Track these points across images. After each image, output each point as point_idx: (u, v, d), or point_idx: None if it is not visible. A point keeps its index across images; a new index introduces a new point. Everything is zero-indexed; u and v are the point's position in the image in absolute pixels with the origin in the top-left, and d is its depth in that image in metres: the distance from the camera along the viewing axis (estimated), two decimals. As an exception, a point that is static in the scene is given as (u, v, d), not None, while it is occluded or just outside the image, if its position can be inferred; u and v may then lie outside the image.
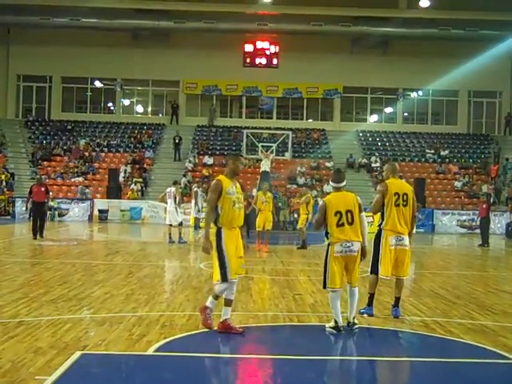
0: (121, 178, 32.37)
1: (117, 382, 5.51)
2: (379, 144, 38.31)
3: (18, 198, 30.24)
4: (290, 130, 34.11)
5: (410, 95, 40.20)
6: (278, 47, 38.81)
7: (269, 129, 36.70)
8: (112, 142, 36.77)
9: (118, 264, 13.41)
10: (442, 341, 7.18)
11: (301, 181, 33.27)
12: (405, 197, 8.21)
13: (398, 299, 8.33)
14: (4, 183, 32.07)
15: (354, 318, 7.49)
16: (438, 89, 38.43)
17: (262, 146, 30.09)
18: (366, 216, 7.91)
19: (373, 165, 34.98)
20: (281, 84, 39.21)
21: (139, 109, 41.42)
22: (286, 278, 11.93)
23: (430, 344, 7.14)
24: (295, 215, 28.66)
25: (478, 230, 24.43)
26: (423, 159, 36.66)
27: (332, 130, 38.94)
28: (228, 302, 7.07)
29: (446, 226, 29.82)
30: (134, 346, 6.41)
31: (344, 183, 7.64)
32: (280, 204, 28.13)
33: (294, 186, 32.68)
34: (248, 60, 38.98)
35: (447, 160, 36.44)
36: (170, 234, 18.71)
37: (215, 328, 7.04)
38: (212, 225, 7.05)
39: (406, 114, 40.97)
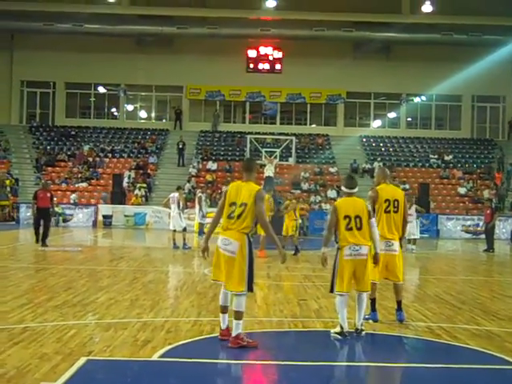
0: (125, 184, 32.41)
1: (122, 388, 5.51)
2: (383, 149, 38.29)
3: (22, 204, 30.29)
4: (294, 135, 34.15)
5: (413, 100, 40.18)
6: (281, 52, 38.87)
7: (272, 134, 36.76)
8: (116, 148, 36.82)
9: (122, 270, 13.41)
10: (447, 347, 7.15)
11: (305, 186, 33.27)
12: (396, 203, 8.23)
13: (399, 303, 8.32)
14: (8, 189, 32.12)
15: (361, 325, 7.48)
16: (441, 94, 38.41)
17: (266, 152, 30.12)
18: None
19: (376, 170, 34.94)
20: (284, 89, 39.25)
21: (143, 114, 41.49)
22: (291, 284, 11.92)
23: (435, 350, 7.11)
24: (299, 220, 28.60)
25: (482, 236, 24.38)
26: (427, 164, 36.62)
27: (335, 135, 38.94)
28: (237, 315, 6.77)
29: (451, 231, 29.76)
30: (139, 352, 6.41)
31: (356, 189, 7.70)
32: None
33: (298, 191, 32.65)
34: (251, 65, 39.04)
35: (451, 165, 36.40)
36: (174, 239, 18.70)
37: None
38: (241, 233, 6.74)
39: (409, 119, 40.96)
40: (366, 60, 37.78)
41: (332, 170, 35.24)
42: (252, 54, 38.99)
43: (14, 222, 29.95)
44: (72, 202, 30.51)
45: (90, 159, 35.26)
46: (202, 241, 7.14)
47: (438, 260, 19.60)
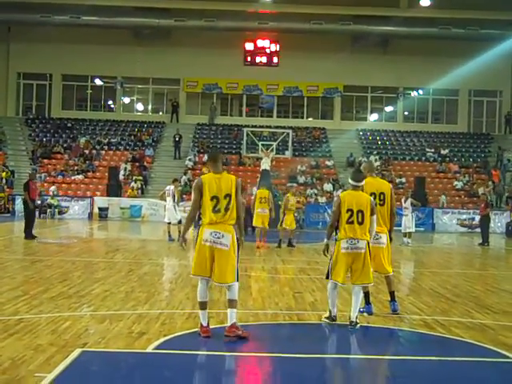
0: (121, 176, 32.37)
1: (116, 379, 5.51)
2: (379, 143, 38.31)
3: (17, 196, 30.19)
4: (291, 128, 34.12)
5: (410, 94, 40.19)
6: (278, 46, 38.82)
7: (269, 127, 36.78)
8: (112, 140, 36.77)
9: (118, 262, 13.41)
10: (441, 339, 7.17)
11: (301, 179, 33.28)
12: (381, 196, 8.26)
13: (392, 293, 8.35)
14: (4, 181, 32.07)
15: (356, 318, 7.51)
16: (438, 88, 38.40)
17: (263, 145, 30.10)
18: None
19: (363, 164, 34.91)
20: (281, 82, 39.20)
21: (139, 107, 41.41)
22: (286, 277, 11.94)
23: (429, 342, 7.13)
24: (295, 214, 28.62)
25: (478, 229, 24.43)
26: (423, 158, 36.66)
27: (332, 128, 38.93)
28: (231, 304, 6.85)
29: (446, 224, 29.83)
30: (134, 344, 6.41)
31: (362, 183, 7.76)
32: (280, 202, 28.08)
33: (295, 185, 32.66)
34: (248, 58, 39.00)
35: (447, 159, 36.44)
36: (169, 232, 18.71)
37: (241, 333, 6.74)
38: (230, 225, 6.77)
39: (406, 113, 40.96)
40: (363, 54, 37.75)
41: (328, 163, 35.26)
42: (249, 47, 38.94)
43: (9, 214, 29.91)
44: (51, 193, 30.30)
45: (87, 151, 35.21)
46: (181, 236, 7.06)
47: (433, 253, 19.66)
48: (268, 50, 39.01)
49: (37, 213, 28.74)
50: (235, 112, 41.17)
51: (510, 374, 6.14)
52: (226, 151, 35.73)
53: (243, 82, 39.22)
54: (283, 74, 38.48)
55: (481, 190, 31.61)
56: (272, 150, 29.47)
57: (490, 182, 33.74)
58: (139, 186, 32.10)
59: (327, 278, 7.66)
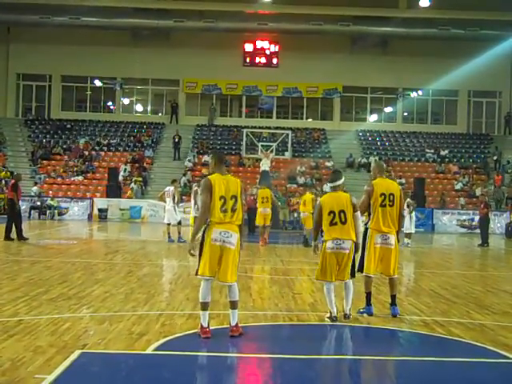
0: (120, 177, 32.36)
1: (116, 380, 5.50)
2: (379, 144, 38.32)
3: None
4: (290, 129, 34.15)
5: (409, 95, 40.18)
6: (277, 46, 38.83)
7: (268, 128, 36.78)
8: (112, 141, 36.76)
9: (117, 263, 13.41)
10: (441, 340, 7.18)
11: (301, 180, 33.28)
12: (391, 197, 8.28)
13: (393, 297, 8.36)
14: (3, 182, 32.03)
15: (349, 310, 7.90)
16: (437, 88, 38.40)
17: (262, 146, 30.12)
18: None
19: (372, 164, 34.91)
20: (280, 83, 39.20)
21: (139, 108, 41.41)
22: (286, 278, 11.93)
23: (429, 343, 7.14)
24: (295, 214, 28.69)
25: (477, 230, 24.43)
26: (423, 159, 36.66)
27: (332, 129, 38.93)
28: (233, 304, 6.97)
29: (446, 225, 29.83)
30: (134, 345, 6.41)
31: (338, 182, 7.99)
32: (280, 203, 28.13)
33: (294, 186, 32.70)
34: (248, 59, 39.00)
35: (447, 160, 36.44)
36: (169, 232, 18.71)
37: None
38: (236, 225, 6.87)
39: (405, 114, 40.96)
40: (362, 54, 37.77)
41: (328, 164, 35.25)
42: (249, 47, 38.95)
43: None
44: (33, 194, 30.24)
45: (86, 153, 35.19)
46: (191, 240, 6.94)
47: (433, 254, 19.65)
48: (267, 51, 39.02)
49: (36, 214, 29.00)
50: (235, 113, 41.18)
51: (509, 375, 6.15)
52: (225, 152, 35.70)
53: (243, 82, 39.23)
54: (283, 75, 38.49)
55: (478, 191, 31.53)
56: (272, 151, 29.49)
57: (490, 185, 33.65)
58: (139, 186, 32.06)
59: (317, 279, 8.03)
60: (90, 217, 29.55)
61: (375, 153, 36.55)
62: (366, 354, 6.68)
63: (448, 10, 34.58)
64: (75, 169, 33.88)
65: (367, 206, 8.32)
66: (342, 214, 7.70)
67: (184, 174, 32.53)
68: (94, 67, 38.02)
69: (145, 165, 34.72)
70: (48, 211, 29.33)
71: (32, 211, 29.27)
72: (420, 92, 40.16)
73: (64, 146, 36.05)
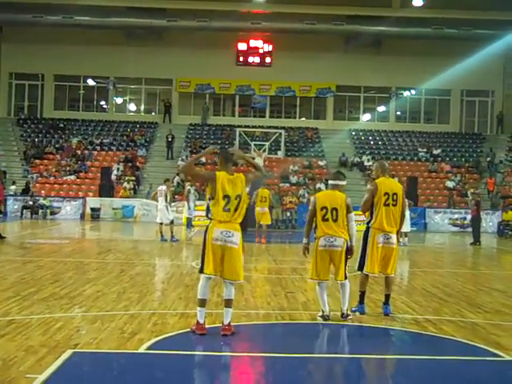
0: (113, 177, 32.29)
1: (108, 380, 5.49)
2: (372, 143, 38.38)
3: (9, 197, 30.14)
4: (283, 128, 34.13)
5: (402, 94, 40.24)
6: (271, 46, 38.81)
7: (262, 127, 36.77)
8: (104, 141, 36.65)
9: (109, 262, 13.38)
10: (433, 339, 7.20)
11: (293, 179, 33.30)
12: (394, 196, 8.29)
13: (387, 297, 8.38)
14: (-5, 182, 31.90)
15: (347, 310, 7.81)
16: (430, 88, 38.47)
17: (255, 145, 30.12)
18: (356, 214, 8.11)
19: (365, 163, 35.00)
20: (274, 83, 39.20)
21: (132, 107, 41.31)
22: (278, 276, 11.94)
23: (421, 342, 7.16)
24: (288, 214, 28.72)
25: (469, 229, 24.50)
26: (416, 158, 36.74)
27: (325, 128, 38.95)
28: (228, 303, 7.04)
29: (438, 224, 29.90)
30: (126, 345, 6.40)
31: (339, 182, 7.99)
32: (273, 202, 28.16)
33: (287, 185, 32.72)
34: (241, 58, 38.97)
35: (439, 159, 36.54)
36: (161, 232, 18.69)
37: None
38: (237, 224, 6.90)
39: (398, 113, 41.04)
40: (356, 54, 37.80)
41: (321, 163, 35.29)
42: (242, 47, 38.91)
43: (1, 215, 29.71)
44: (12, 193, 30.10)
45: (79, 152, 35.10)
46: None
47: (425, 253, 19.69)
48: (261, 50, 38.98)
49: (29, 214, 28.92)
50: (228, 112, 41.14)
51: (500, 373, 6.17)
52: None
53: (236, 82, 39.21)
54: (276, 74, 38.48)
55: (469, 194, 31.20)
56: (264, 150, 29.49)
57: (483, 183, 33.68)
58: (131, 186, 32.01)
59: (311, 278, 7.96)
60: (82, 216, 29.47)
61: (368, 152, 36.60)
62: (357, 352, 6.70)
63: (441, 10, 34.65)
64: (68, 168, 33.78)
65: (370, 205, 8.30)
66: (334, 212, 7.71)
67: (177, 174, 32.47)
68: (87, 66, 37.90)
69: (138, 164, 34.65)
70: (40, 211, 29.25)
71: (24, 211, 29.20)
72: (413, 91, 40.22)
73: (56, 146, 35.94)
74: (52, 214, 29.49)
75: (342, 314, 7.79)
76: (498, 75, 39.28)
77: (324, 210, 7.74)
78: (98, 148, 36.04)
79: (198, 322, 6.84)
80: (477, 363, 6.34)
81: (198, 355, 6.37)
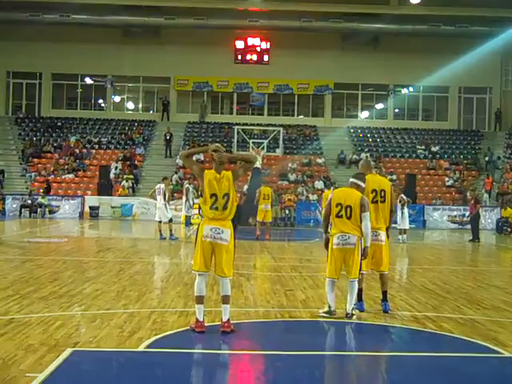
0: (112, 175, 32.27)
1: (108, 378, 5.49)
2: (370, 140, 38.38)
3: (8, 195, 30.15)
4: (281, 126, 34.18)
5: (400, 91, 40.29)
6: (268, 44, 38.80)
7: (260, 125, 36.79)
8: (103, 139, 36.64)
9: (109, 261, 13.38)
10: (432, 335, 7.21)
11: (292, 177, 33.29)
12: (382, 193, 8.29)
13: (384, 293, 8.37)
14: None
15: (352, 310, 7.76)
16: (428, 85, 38.52)
17: (253, 143, 30.11)
18: None
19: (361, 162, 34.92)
20: (272, 80, 39.20)
21: (130, 105, 41.29)
22: (278, 274, 11.94)
23: (420, 339, 7.17)
24: (286, 211, 28.72)
25: (468, 226, 24.53)
26: (414, 155, 36.76)
27: (323, 126, 38.96)
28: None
29: (437, 221, 29.92)
30: (125, 343, 6.40)
31: (358, 182, 7.94)
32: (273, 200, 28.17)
33: (286, 183, 32.71)
34: (239, 56, 38.96)
35: (438, 156, 36.56)
36: (160, 230, 18.68)
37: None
38: (228, 220, 6.91)
39: (396, 111, 41.04)
40: (354, 51, 37.82)
41: (319, 160, 35.29)
42: (240, 45, 38.90)
43: (-1, 214, 29.77)
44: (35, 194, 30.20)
45: (77, 150, 35.07)
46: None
47: (424, 250, 19.72)
48: (258, 48, 38.98)
49: (27, 212, 28.89)
50: (226, 110, 41.12)
51: (500, 369, 6.17)
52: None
53: (234, 80, 39.20)
54: (274, 72, 38.47)
55: (468, 196, 31.05)
56: (263, 148, 29.47)
57: (481, 180, 33.64)
58: (130, 184, 32.00)
59: (329, 277, 7.91)
60: (81, 215, 29.46)
61: (366, 149, 36.63)
62: (357, 349, 6.71)
63: (438, 7, 34.67)
64: (66, 167, 33.76)
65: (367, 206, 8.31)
66: (349, 209, 7.69)
67: (176, 172, 32.48)
68: (85, 65, 37.86)
69: (136, 162, 34.63)
70: (39, 209, 29.22)
71: (23, 209, 29.17)
72: (411, 88, 40.25)
73: (55, 144, 35.90)
74: (51, 212, 29.46)
75: (347, 313, 7.72)
76: (496, 72, 39.33)
77: (339, 207, 7.74)
78: (97, 146, 36.02)
79: (197, 319, 6.86)
80: (476, 360, 6.36)
81: (198, 353, 6.37)
